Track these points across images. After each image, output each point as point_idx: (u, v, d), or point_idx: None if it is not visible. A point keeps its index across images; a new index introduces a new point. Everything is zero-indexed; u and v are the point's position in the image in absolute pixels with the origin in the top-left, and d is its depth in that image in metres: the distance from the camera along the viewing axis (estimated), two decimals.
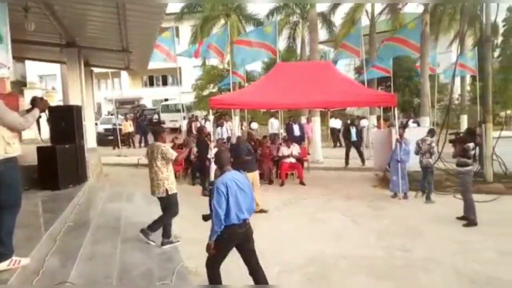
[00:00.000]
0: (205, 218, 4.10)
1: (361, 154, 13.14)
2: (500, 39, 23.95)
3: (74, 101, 8.69)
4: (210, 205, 3.87)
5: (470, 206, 6.84)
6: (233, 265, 4.26)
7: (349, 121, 14.47)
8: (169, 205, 5.45)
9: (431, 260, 5.32)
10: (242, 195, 3.76)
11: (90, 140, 10.90)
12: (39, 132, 4.22)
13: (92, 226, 5.72)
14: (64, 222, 5.43)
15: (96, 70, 12.93)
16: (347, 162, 12.97)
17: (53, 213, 5.43)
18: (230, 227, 3.72)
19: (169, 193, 5.36)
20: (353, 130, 13.31)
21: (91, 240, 5.19)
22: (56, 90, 24.65)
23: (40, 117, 4.08)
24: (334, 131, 19.17)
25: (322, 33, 21.16)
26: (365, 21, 19.52)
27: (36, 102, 4.01)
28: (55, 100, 21.66)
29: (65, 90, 12.85)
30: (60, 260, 4.24)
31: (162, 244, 5.45)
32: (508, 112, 25.73)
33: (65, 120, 7.63)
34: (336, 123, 19.09)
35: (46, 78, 33.68)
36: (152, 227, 5.38)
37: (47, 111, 4.19)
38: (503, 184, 9.16)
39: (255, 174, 7.91)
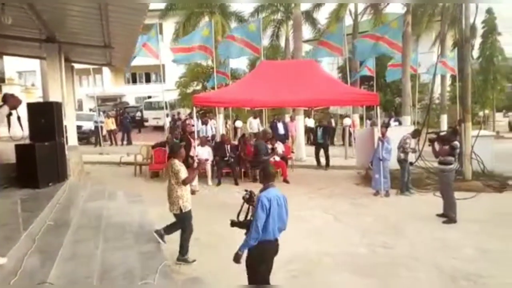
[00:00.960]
0: (233, 224, 3.86)
1: (327, 157, 12.62)
2: (479, 40, 24.51)
3: (54, 97, 8.48)
4: (245, 213, 3.86)
5: (452, 204, 6.98)
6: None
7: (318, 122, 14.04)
8: (183, 223, 5.39)
9: (413, 257, 5.41)
10: (280, 213, 3.69)
11: (71, 137, 10.69)
12: (9, 129, 4.15)
13: (73, 225, 5.61)
14: (44, 221, 5.31)
15: (77, 66, 12.64)
16: (318, 162, 12.75)
17: (32, 212, 5.30)
18: (264, 243, 3.64)
19: (183, 211, 5.31)
20: (319, 131, 12.88)
21: (72, 240, 5.09)
22: (36, 87, 24.05)
23: (10, 114, 3.98)
24: (307, 130, 19.19)
25: (307, 32, 21.29)
26: (348, 21, 19.74)
27: (6, 99, 3.92)
28: (35, 96, 21.13)
29: (45, 87, 12.56)
30: (39, 260, 4.14)
31: (178, 259, 5.34)
32: (486, 112, 26.41)
33: (45, 117, 7.45)
34: (309, 122, 19.09)
35: (26, 74, 32.83)
36: (182, 251, 5.37)
37: (19, 109, 4.11)
38: (481, 182, 9.39)
39: None
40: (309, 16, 20.43)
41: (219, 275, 4.82)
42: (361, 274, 4.89)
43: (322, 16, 21.50)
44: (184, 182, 5.25)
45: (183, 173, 5.24)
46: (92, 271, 4.20)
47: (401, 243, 5.94)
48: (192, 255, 5.42)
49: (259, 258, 3.67)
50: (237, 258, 3.71)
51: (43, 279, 3.65)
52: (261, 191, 3.74)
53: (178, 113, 23.12)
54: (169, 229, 5.53)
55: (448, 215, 6.95)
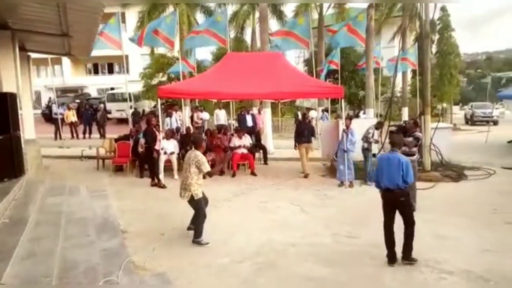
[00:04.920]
0: None
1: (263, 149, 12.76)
2: (437, 36, 25.44)
3: (8, 88, 8.02)
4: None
5: (415, 194, 7.23)
6: None
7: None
8: (196, 208, 5.64)
9: (375, 245, 5.55)
10: (388, 170, 4.94)
11: (28, 130, 10.20)
12: None
13: (30, 222, 5.36)
14: None
15: (34, 55, 12.02)
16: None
17: None
18: (382, 190, 5.07)
19: (195, 198, 5.54)
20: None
21: (29, 238, 4.87)
22: None
23: None
24: None
25: (274, 25, 21.27)
26: (313, 14, 19.92)
27: None
28: None
29: None
30: None
31: (193, 241, 5.60)
32: (444, 105, 27.57)
33: None
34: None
35: None
36: (196, 234, 5.61)
37: None
38: (439, 172, 9.81)
39: (309, 145, 11.01)
40: (275, 9, 20.42)
41: (184, 271, 4.77)
42: (325, 263, 4.98)
43: (289, 9, 21.57)
44: (209, 174, 5.66)
45: (207, 165, 5.57)
46: (51, 270, 4.04)
47: (365, 232, 6.10)
48: (157, 250, 5.34)
49: (382, 200, 5.13)
50: None
51: None
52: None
53: (143, 111, 22.48)
54: (196, 228, 5.65)
55: (411, 204, 7.20)
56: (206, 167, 5.52)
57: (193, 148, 5.75)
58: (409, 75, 25.10)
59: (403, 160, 4.90)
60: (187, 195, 5.50)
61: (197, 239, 5.60)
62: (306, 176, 10.24)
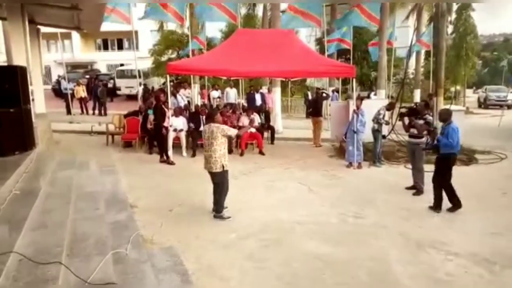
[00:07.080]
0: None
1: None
2: (454, 16, 24.73)
3: (18, 61, 8.02)
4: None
5: (423, 175, 7.18)
6: None
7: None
8: (222, 181, 5.73)
9: (381, 226, 5.58)
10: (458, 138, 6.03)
11: (38, 104, 10.25)
12: None
13: (41, 194, 5.43)
14: (10, 190, 5.13)
15: (44, 30, 11.94)
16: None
17: None
18: (455, 154, 6.25)
19: (225, 168, 5.65)
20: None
21: (40, 209, 4.95)
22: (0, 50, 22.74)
23: None
24: None
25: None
26: None
27: None
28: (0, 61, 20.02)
29: (8, 50, 11.87)
30: (4, 229, 4.00)
31: (214, 216, 5.76)
32: (458, 87, 27.06)
33: (9, 82, 7.06)
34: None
35: None
36: (218, 208, 5.75)
37: None
38: None
39: (319, 119, 11.92)
40: None
41: (191, 245, 4.84)
42: (330, 242, 5.01)
43: None
44: (238, 136, 6.26)
45: (233, 129, 5.78)
46: (61, 241, 4.11)
47: (371, 213, 6.11)
48: (164, 225, 5.41)
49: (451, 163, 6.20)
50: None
51: (8, 249, 3.54)
52: (448, 124, 6.18)
53: (152, 88, 22.35)
54: (217, 201, 5.77)
55: (418, 186, 7.17)
56: (234, 131, 5.68)
57: (209, 123, 5.72)
58: (422, 56, 24.56)
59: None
60: (219, 167, 5.57)
61: (219, 214, 5.72)
62: (317, 146, 11.60)
